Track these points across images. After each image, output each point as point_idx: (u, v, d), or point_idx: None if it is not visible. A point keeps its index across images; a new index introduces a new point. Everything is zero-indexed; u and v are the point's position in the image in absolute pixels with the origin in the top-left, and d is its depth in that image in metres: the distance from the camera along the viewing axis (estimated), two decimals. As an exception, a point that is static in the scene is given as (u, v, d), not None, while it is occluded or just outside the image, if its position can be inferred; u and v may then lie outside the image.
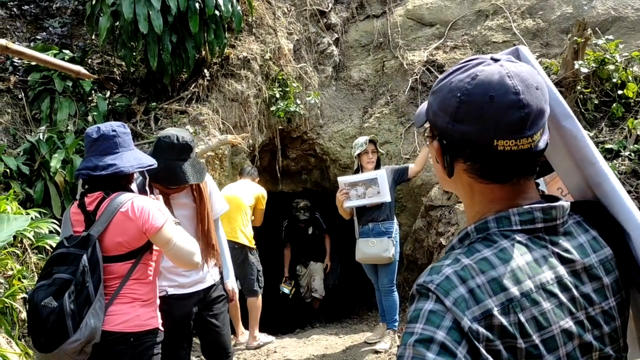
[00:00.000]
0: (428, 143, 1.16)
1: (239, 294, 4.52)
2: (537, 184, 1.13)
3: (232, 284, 3.67)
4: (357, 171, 5.30)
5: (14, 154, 5.41)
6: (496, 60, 1.04)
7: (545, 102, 1.04)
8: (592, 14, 6.92)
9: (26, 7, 7.24)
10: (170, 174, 3.08)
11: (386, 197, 4.96)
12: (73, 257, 2.44)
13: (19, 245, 4.50)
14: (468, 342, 0.92)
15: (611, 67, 5.99)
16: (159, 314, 2.76)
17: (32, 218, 4.32)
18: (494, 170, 1.05)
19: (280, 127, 7.29)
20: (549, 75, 6.12)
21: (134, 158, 2.64)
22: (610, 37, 6.32)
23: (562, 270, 1.03)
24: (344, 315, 7.74)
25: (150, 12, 5.82)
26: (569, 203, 1.11)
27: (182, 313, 3.30)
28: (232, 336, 4.65)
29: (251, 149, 6.87)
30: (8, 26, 7.01)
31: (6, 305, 3.88)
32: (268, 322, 6.70)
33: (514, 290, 0.97)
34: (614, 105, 5.97)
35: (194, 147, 3.23)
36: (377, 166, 5.29)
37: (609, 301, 1.07)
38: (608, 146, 5.60)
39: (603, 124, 6.02)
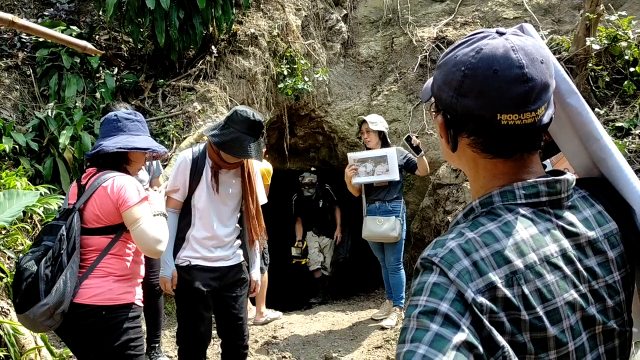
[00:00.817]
0: (433, 117, 1.16)
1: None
2: (544, 166, 1.13)
3: (257, 276, 3.67)
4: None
5: (23, 130, 5.44)
6: (501, 34, 1.04)
7: (551, 76, 1.03)
8: (605, -10, 6.81)
9: (33, -18, 7.21)
10: (237, 144, 3.19)
11: (395, 175, 4.95)
12: (59, 228, 2.60)
13: (28, 220, 4.55)
14: (472, 314, 0.92)
15: (623, 43, 5.91)
16: (138, 290, 2.83)
17: (41, 194, 4.37)
18: (497, 145, 1.04)
19: (288, 105, 7.26)
20: (560, 52, 6.05)
21: (126, 141, 2.76)
22: (623, 13, 6.22)
23: (566, 243, 1.03)
24: (351, 292, 7.78)
25: (157, -12, 5.78)
26: (574, 177, 1.11)
27: (202, 285, 3.35)
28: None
29: (259, 126, 6.83)
30: (16, 2, 6.99)
31: (17, 279, 3.94)
32: (275, 299, 6.76)
33: (518, 263, 0.97)
34: (626, 82, 5.90)
35: (263, 129, 3.36)
36: (385, 144, 5.25)
37: (613, 275, 1.07)
38: (618, 124, 5.54)
39: (614, 101, 5.95)
